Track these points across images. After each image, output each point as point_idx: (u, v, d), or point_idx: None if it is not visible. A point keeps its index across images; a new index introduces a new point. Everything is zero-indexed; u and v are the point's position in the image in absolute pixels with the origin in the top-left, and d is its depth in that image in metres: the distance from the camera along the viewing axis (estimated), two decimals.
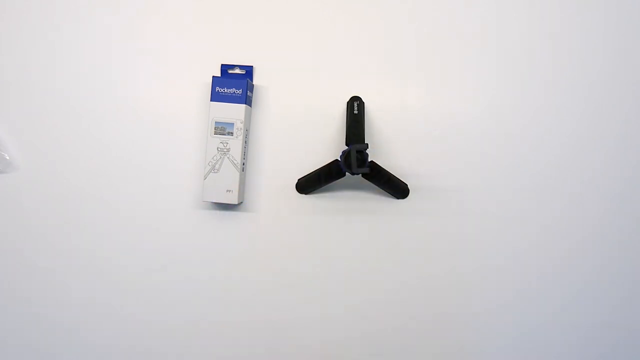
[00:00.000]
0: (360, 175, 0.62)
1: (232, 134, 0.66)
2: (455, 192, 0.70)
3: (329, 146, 0.70)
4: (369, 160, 0.62)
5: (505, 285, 0.71)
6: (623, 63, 0.70)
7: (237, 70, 0.70)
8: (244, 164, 0.69)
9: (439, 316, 0.70)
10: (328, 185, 0.69)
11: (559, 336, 0.71)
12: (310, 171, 0.68)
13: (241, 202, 0.71)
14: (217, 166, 0.67)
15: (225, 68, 0.70)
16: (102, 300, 0.71)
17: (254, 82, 0.71)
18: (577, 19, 0.70)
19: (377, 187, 0.68)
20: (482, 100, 0.70)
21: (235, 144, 0.67)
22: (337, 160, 0.64)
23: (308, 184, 0.69)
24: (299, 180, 0.69)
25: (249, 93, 0.68)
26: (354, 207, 0.70)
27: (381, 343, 0.71)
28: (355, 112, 0.65)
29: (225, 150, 0.67)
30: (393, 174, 0.67)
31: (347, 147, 0.62)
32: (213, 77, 0.67)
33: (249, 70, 0.70)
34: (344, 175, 0.64)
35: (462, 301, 0.70)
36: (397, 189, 0.68)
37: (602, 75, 0.70)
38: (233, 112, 0.66)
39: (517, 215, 0.70)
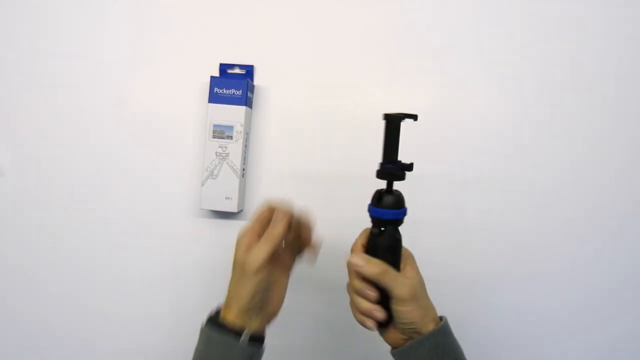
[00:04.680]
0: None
1: (231, 137, 0.65)
2: (463, 196, 0.68)
3: (333, 150, 0.68)
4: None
5: (516, 287, 0.69)
6: None
7: (237, 70, 0.69)
8: (244, 170, 0.68)
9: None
10: (333, 194, 0.67)
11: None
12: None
13: (241, 210, 0.69)
14: (215, 172, 0.65)
15: (224, 68, 0.69)
16: (97, 310, 0.70)
17: (255, 83, 0.70)
18: (595, 20, 0.67)
19: None
20: (494, 105, 0.68)
21: (234, 148, 0.65)
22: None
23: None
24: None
25: (249, 94, 0.67)
26: (358, 215, 0.67)
27: None
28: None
29: (224, 155, 0.65)
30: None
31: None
32: (211, 77, 0.66)
33: (249, 70, 0.69)
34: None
35: (471, 302, 0.68)
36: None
37: (622, 77, 0.67)
38: (232, 114, 0.65)
39: (531, 222, 0.68)
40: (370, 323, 0.47)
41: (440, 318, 0.49)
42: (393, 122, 0.46)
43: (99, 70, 0.70)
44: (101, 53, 0.70)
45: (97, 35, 0.70)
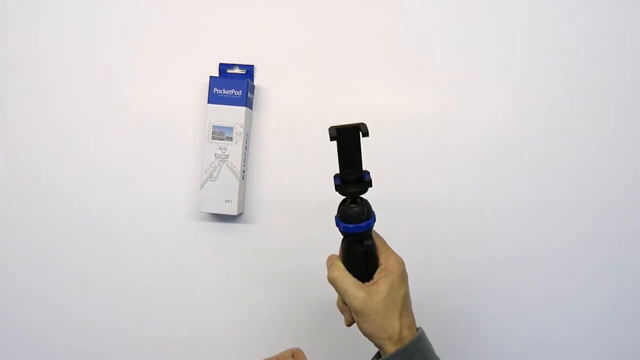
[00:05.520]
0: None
1: (231, 139, 0.65)
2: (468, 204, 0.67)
3: (335, 152, 0.67)
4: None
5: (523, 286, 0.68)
6: None
7: (237, 70, 0.68)
8: (244, 172, 0.67)
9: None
10: (332, 197, 0.65)
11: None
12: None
13: (241, 213, 0.69)
14: (215, 174, 0.65)
15: (223, 67, 0.68)
16: (94, 317, 0.70)
17: (255, 83, 0.69)
18: (606, 22, 0.68)
19: None
20: (498, 110, 0.68)
21: (234, 149, 0.65)
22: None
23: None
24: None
25: (249, 94, 0.66)
26: None
27: None
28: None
29: (223, 156, 0.65)
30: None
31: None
32: (210, 77, 0.66)
33: (249, 70, 0.68)
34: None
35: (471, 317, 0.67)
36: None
37: (631, 78, 0.67)
38: (232, 115, 0.65)
39: (539, 231, 0.68)
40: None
41: (417, 329, 0.45)
42: (347, 136, 0.44)
43: (97, 70, 0.69)
44: (100, 53, 0.70)
45: (97, 35, 0.70)
